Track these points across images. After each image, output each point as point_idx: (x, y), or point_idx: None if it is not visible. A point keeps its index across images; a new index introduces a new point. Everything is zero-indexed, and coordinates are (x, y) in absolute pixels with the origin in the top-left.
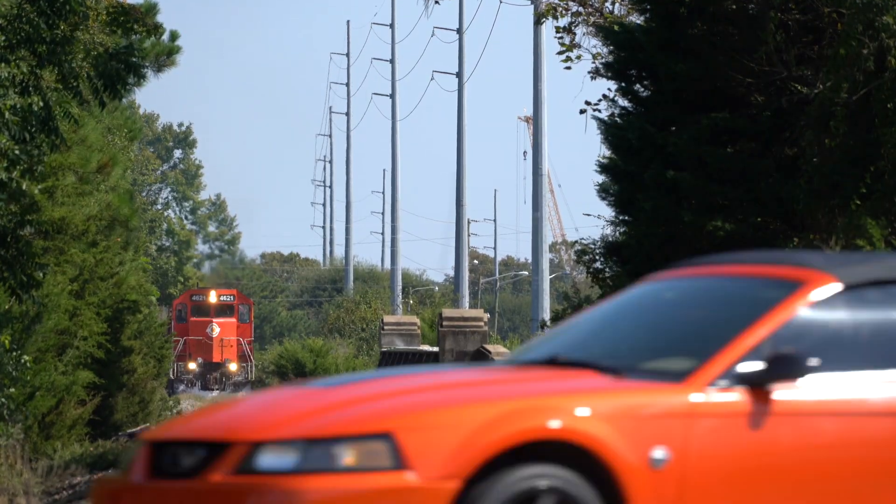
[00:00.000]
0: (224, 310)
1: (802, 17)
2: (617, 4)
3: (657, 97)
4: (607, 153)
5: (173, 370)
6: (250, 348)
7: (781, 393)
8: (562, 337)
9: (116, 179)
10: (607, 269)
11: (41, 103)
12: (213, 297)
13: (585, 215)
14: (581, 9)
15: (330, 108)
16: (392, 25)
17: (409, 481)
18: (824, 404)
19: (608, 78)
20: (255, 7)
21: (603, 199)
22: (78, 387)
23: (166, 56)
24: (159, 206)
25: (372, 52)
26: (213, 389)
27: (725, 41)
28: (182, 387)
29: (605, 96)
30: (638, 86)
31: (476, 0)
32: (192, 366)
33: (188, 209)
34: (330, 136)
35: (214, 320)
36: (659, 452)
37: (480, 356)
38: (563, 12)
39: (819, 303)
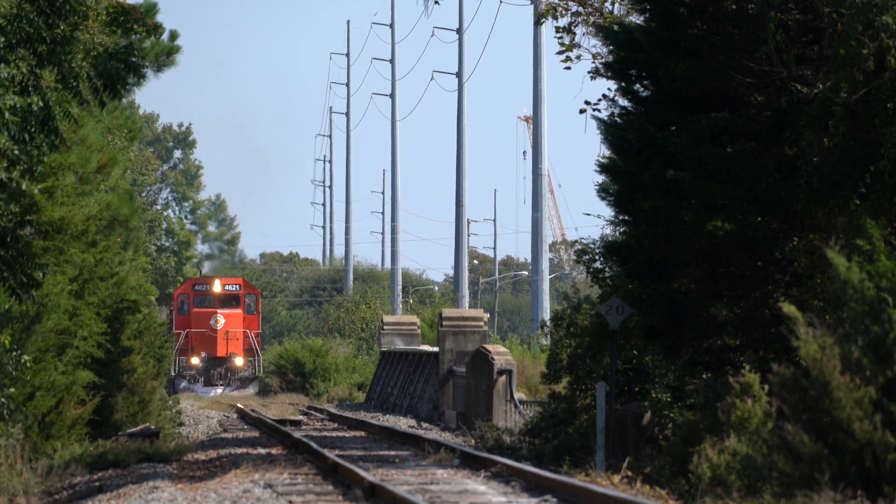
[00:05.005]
0: (229, 300)
1: (802, 17)
2: (617, 4)
3: (657, 97)
4: (607, 153)
5: (175, 366)
6: (258, 341)
7: None
8: None
9: (116, 179)
10: (607, 269)
11: (41, 103)
12: (217, 287)
13: (585, 215)
14: (581, 9)
15: (330, 108)
16: (392, 25)
17: None
18: None
19: (608, 78)
20: (256, 7)
21: (603, 199)
22: (78, 387)
23: (166, 56)
24: (159, 207)
25: (372, 52)
26: (216, 386)
27: (725, 41)
28: (184, 384)
29: (605, 96)
30: (638, 86)
31: (476, 0)
32: (195, 360)
33: (188, 209)
34: (330, 136)
35: (219, 311)
36: None
37: (480, 356)
38: (563, 12)
39: None
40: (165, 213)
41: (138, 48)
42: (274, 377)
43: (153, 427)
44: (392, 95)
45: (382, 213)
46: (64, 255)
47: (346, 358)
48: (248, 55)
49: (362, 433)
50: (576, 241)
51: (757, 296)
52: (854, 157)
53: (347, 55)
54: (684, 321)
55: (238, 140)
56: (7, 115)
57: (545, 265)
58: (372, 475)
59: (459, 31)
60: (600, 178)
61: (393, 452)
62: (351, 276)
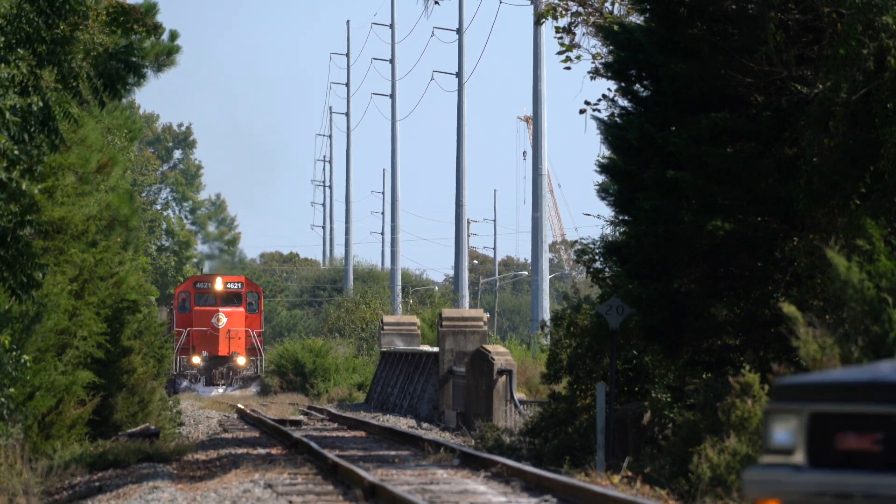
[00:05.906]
0: (231, 298)
1: (802, 17)
2: (617, 4)
3: (657, 97)
4: (607, 153)
5: (175, 365)
6: (260, 340)
7: None
8: None
9: (116, 179)
10: (607, 269)
11: (41, 103)
12: (219, 285)
13: (585, 215)
14: (581, 9)
15: (330, 108)
16: (392, 25)
17: None
18: None
19: (608, 78)
20: (256, 7)
21: (603, 199)
22: (78, 387)
23: (166, 56)
24: (159, 206)
25: (372, 52)
26: (218, 385)
27: (725, 41)
28: (185, 383)
29: (604, 96)
30: (638, 86)
31: (476, 0)
32: (196, 360)
33: (188, 209)
34: (330, 136)
35: (221, 310)
36: None
37: (480, 356)
38: (563, 12)
39: None
40: (165, 213)
41: (138, 48)
42: (274, 377)
43: (153, 427)
44: (392, 95)
45: (382, 213)
46: (64, 255)
47: (346, 358)
48: (248, 55)
49: (362, 433)
50: (576, 241)
51: (757, 296)
52: (854, 157)
53: (347, 55)
54: (684, 321)
55: (238, 140)
56: (7, 115)
57: (545, 265)
58: (372, 475)
59: (459, 31)
60: (600, 178)
61: (393, 452)
62: (351, 277)
